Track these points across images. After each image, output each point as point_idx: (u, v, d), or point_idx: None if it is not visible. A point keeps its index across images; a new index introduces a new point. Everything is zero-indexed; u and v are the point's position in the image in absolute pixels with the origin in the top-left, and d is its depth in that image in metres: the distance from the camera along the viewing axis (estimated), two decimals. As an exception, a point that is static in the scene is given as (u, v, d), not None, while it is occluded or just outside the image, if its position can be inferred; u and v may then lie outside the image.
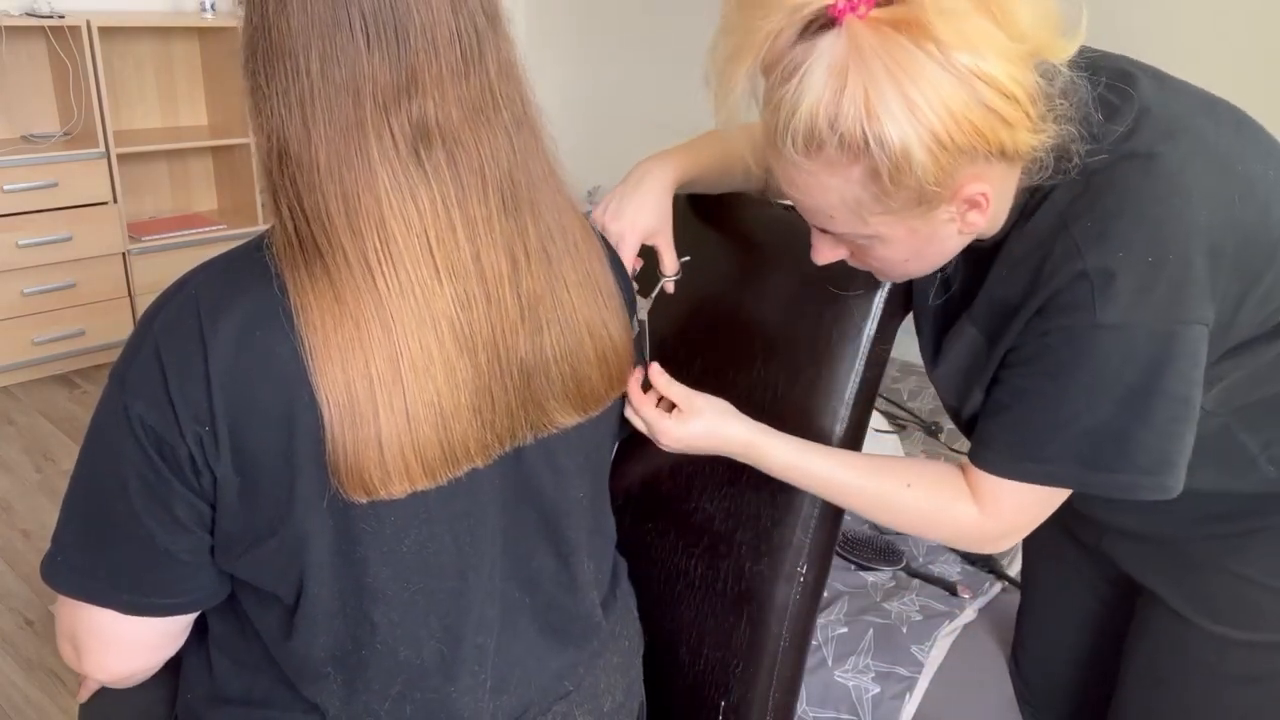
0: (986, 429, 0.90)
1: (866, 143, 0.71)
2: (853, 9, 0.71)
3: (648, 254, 1.06)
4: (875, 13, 0.70)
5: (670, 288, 1.06)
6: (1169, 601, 1.05)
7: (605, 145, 3.62)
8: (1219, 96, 0.89)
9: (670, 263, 1.06)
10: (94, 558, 0.75)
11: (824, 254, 0.89)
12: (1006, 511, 0.90)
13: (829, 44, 0.71)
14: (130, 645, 0.80)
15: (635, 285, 1.03)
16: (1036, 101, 0.73)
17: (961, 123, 0.71)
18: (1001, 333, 0.87)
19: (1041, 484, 0.87)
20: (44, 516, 2.49)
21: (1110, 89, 0.82)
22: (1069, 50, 0.75)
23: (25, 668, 1.97)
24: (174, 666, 0.88)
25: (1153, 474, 0.83)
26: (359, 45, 0.68)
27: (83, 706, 1.00)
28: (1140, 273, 0.78)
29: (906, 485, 0.92)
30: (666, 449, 0.95)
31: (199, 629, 0.86)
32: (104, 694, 0.97)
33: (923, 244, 0.83)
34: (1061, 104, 0.75)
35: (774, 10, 0.73)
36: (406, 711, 0.83)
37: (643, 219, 1.02)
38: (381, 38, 0.68)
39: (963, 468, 0.92)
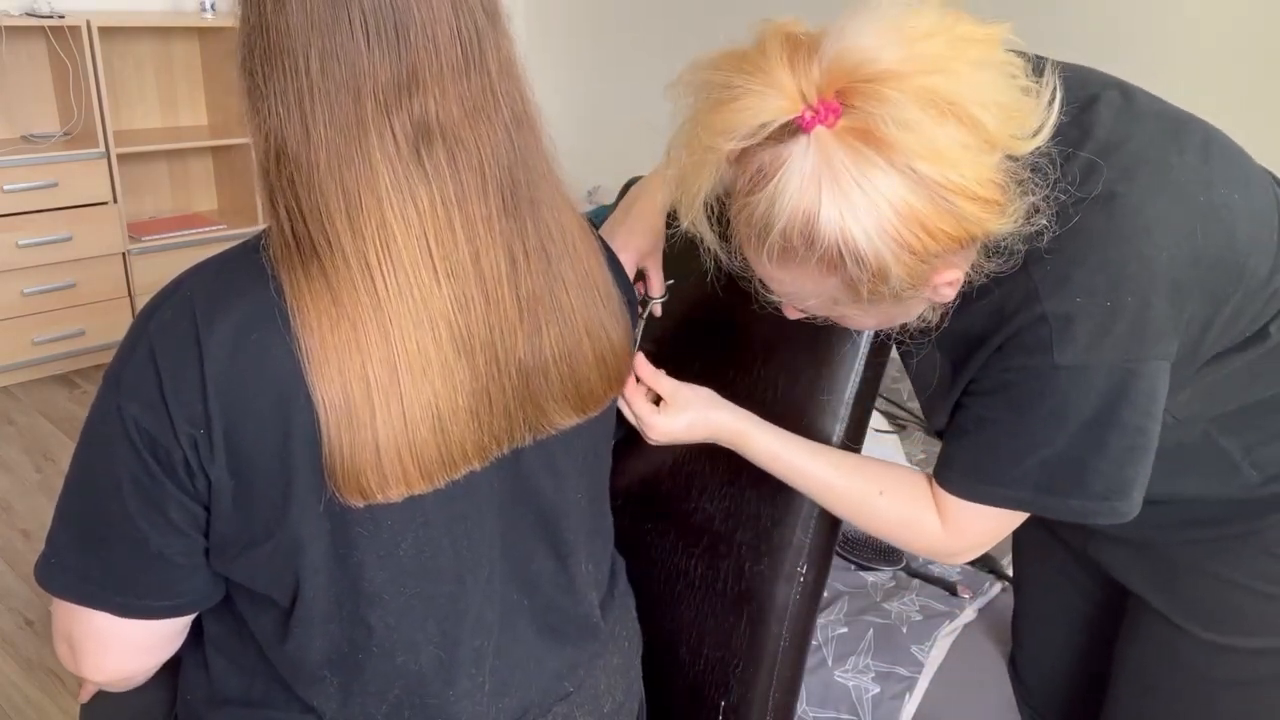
0: (949, 451, 0.92)
1: (843, 259, 0.71)
2: (822, 120, 0.69)
3: (637, 277, 1.08)
4: (841, 123, 0.69)
5: (658, 310, 1.08)
6: (1158, 607, 1.06)
7: (604, 145, 3.62)
8: (1188, 115, 0.89)
9: (657, 285, 1.08)
10: (88, 560, 0.75)
11: (794, 315, 0.89)
12: (965, 530, 0.92)
13: (799, 155, 0.70)
14: (125, 647, 0.80)
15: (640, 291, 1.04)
16: (1007, 188, 0.73)
17: (935, 233, 0.71)
18: (965, 362, 0.89)
19: (998, 507, 0.89)
20: (44, 516, 2.49)
21: (1071, 122, 0.81)
22: (1036, 143, 0.74)
23: (25, 668, 1.97)
24: (173, 667, 0.88)
25: (1107, 499, 0.85)
26: (359, 43, 0.67)
27: (83, 707, 1.00)
28: (1098, 317, 0.79)
29: (879, 492, 0.94)
30: (654, 443, 0.96)
31: (196, 630, 0.86)
32: (104, 695, 0.97)
33: (892, 318, 0.85)
34: (1030, 178, 0.74)
35: (737, 130, 0.71)
36: (405, 715, 0.83)
37: (635, 241, 1.05)
38: (382, 35, 0.67)
39: (930, 481, 0.94)
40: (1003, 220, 0.73)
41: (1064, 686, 1.31)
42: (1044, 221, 0.76)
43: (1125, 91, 0.88)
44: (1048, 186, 0.76)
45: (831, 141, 0.69)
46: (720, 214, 0.80)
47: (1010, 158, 0.73)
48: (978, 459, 0.89)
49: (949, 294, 0.79)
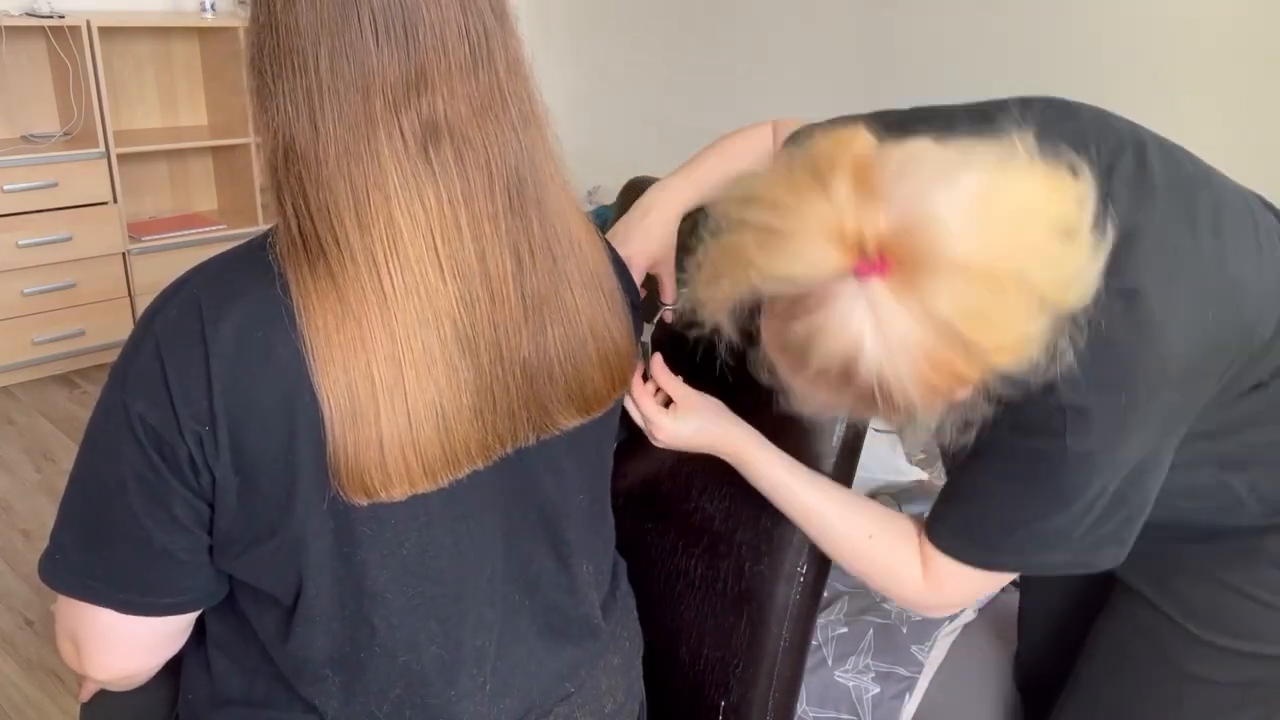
0: (944, 509, 0.92)
1: (875, 399, 0.69)
2: (877, 272, 0.64)
3: (649, 282, 1.08)
4: (894, 276, 0.64)
5: (669, 317, 1.09)
6: (1147, 595, 1.06)
7: (606, 145, 3.62)
8: (1199, 177, 0.87)
9: (670, 292, 1.08)
10: (92, 557, 0.75)
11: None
12: (946, 585, 0.93)
13: (849, 298, 0.65)
14: (130, 645, 0.80)
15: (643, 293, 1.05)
16: (1045, 337, 0.70)
17: (965, 378, 0.68)
18: (974, 439, 0.86)
19: (985, 569, 0.90)
20: (44, 516, 2.48)
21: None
22: (1083, 298, 0.69)
23: (25, 668, 1.97)
24: (174, 667, 0.88)
25: (1095, 553, 0.86)
26: (368, 42, 0.68)
27: (84, 706, 1.00)
28: (1113, 410, 0.79)
29: (869, 535, 0.94)
30: (659, 444, 0.96)
31: (199, 629, 0.86)
32: (105, 694, 0.97)
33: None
34: (1069, 324, 0.71)
35: (787, 277, 0.66)
36: (406, 715, 0.83)
37: (649, 246, 1.05)
38: (391, 34, 0.68)
39: (919, 533, 0.94)
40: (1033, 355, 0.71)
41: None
42: (1071, 356, 0.72)
43: (1139, 154, 0.86)
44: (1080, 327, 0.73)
45: (883, 294, 0.64)
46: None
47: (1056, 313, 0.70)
48: (969, 523, 0.89)
49: (963, 396, 0.77)
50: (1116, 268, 0.77)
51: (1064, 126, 0.86)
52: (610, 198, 3.38)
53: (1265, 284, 0.86)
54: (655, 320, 1.07)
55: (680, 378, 0.97)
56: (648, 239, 1.05)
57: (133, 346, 0.72)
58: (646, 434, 0.97)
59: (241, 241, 0.75)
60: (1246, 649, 1.01)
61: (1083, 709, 1.14)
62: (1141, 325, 0.79)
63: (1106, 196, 0.80)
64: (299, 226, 0.69)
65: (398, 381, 0.70)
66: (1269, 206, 0.95)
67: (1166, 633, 1.04)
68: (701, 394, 0.97)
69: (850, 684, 1.41)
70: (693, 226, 1.10)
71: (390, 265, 0.69)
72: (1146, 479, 0.84)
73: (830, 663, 1.44)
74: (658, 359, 0.95)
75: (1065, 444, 0.80)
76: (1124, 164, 0.85)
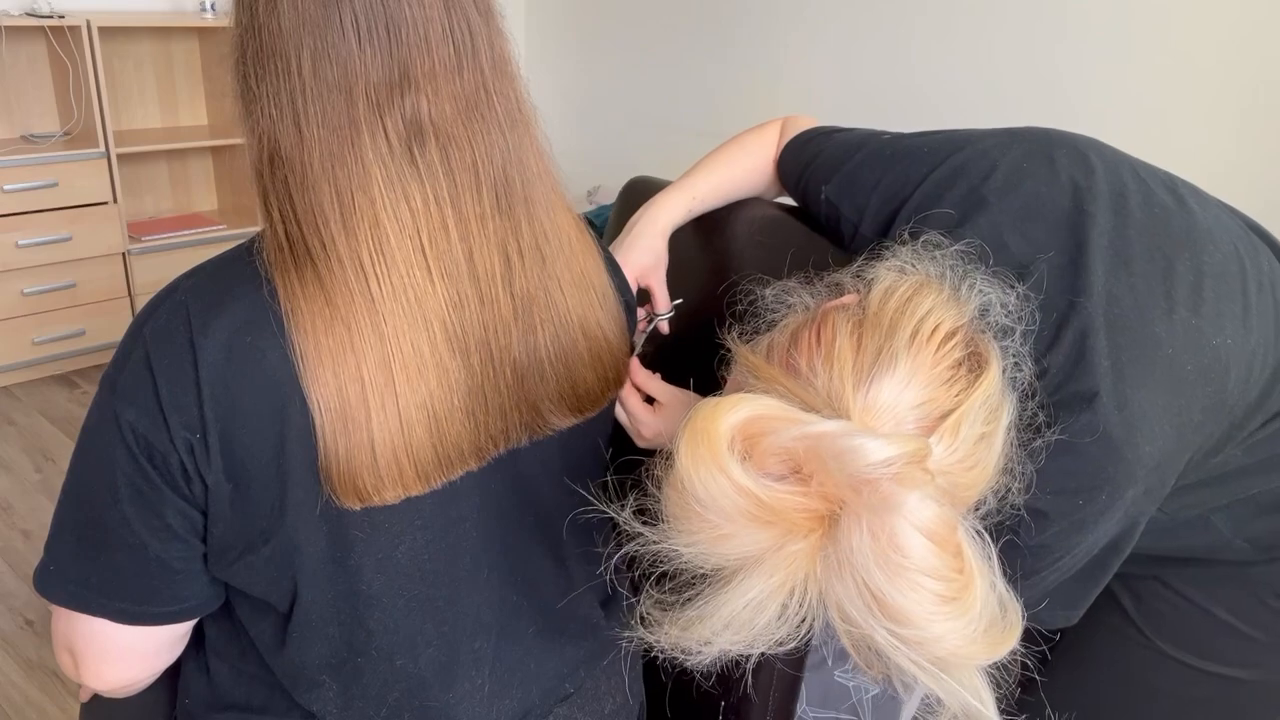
0: None
1: None
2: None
3: (643, 296, 1.10)
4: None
5: (664, 327, 1.09)
6: (1124, 604, 1.05)
7: (605, 145, 3.62)
8: (1184, 237, 0.82)
9: (663, 302, 1.10)
10: (86, 566, 0.75)
11: None
12: None
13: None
14: (126, 654, 0.79)
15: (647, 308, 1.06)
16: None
17: None
18: None
19: None
20: (44, 517, 2.49)
21: (1060, 282, 0.77)
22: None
23: (25, 668, 1.97)
24: (173, 671, 0.88)
25: (1042, 615, 0.83)
26: (350, 43, 0.67)
27: (84, 706, 1.00)
28: (1071, 512, 0.76)
29: None
30: (643, 444, 0.97)
31: (197, 635, 0.86)
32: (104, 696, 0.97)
33: None
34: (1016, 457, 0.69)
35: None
36: (404, 719, 0.83)
37: (634, 258, 1.07)
38: (373, 35, 0.67)
39: None
40: None
41: None
42: (1028, 468, 0.70)
43: (1120, 206, 0.82)
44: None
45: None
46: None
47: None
48: None
49: None
50: (1080, 369, 0.76)
51: (1039, 176, 0.83)
52: (610, 198, 3.38)
53: (1251, 347, 0.82)
54: (648, 331, 1.08)
55: (659, 375, 0.98)
56: (631, 252, 1.07)
57: (122, 354, 0.71)
58: (631, 434, 0.97)
59: (239, 243, 0.75)
60: (1204, 668, 1.00)
61: (1034, 708, 1.14)
62: (1102, 430, 0.75)
63: (1082, 267, 0.78)
64: (285, 231, 0.69)
65: (388, 384, 0.69)
66: (1264, 237, 0.91)
67: (1132, 640, 1.04)
68: (683, 390, 0.97)
69: (850, 684, 1.41)
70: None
71: (377, 267, 0.68)
72: (1111, 557, 0.81)
73: (830, 663, 1.44)
74: (634, 362, 0.96)
75: (1018, 540, 0.76)
76: (1100, 226, 0.81)
